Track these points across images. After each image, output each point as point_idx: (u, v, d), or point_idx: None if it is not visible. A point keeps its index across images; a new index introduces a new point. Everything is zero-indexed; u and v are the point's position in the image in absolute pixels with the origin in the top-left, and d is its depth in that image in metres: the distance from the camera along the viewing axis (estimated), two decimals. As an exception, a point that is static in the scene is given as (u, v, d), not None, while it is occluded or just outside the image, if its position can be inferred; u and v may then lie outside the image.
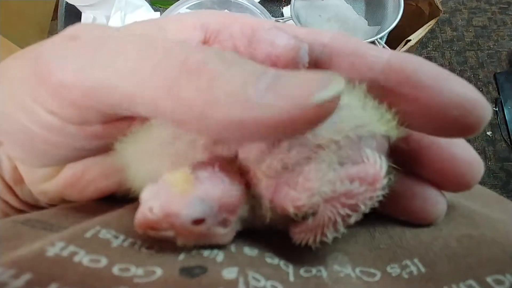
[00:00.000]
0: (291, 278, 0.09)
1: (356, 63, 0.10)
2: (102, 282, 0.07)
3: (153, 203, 0.08)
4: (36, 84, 0.09)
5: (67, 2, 0.44)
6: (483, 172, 0.10)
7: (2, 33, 0.48)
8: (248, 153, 0.09)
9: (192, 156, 0.09)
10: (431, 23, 0.66)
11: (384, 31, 0.39)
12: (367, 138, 0.10)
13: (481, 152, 1.04)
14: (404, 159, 0.11)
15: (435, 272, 0.09)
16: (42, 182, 0.12)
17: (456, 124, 0.09)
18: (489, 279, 0.08)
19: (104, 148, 0.11)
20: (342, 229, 0.09)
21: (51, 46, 0.09)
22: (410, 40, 0.64)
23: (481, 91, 1.15)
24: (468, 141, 0.10)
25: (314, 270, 0.10)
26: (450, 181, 0.11)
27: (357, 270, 0.10)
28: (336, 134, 0.09)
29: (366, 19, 0.46)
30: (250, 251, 0.10)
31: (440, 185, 0.11)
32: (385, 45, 0.38)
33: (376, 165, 0.09)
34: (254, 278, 0.08)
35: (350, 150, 0.09)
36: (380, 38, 0.38)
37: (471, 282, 0.08)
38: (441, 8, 0.67)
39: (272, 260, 0.10)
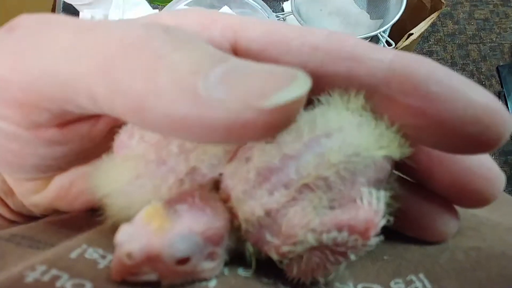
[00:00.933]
0: None
1: (354, 69, 0.08)
2: None
3: (130, 247, 0.07)
4: None
5: (64, 1, 0.44)
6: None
7: (0, 33, 0.47)
8: (230, 191, 0.09)
9: (169, 188, 0.09)
10: (433, 16, 0.65)
11: (386, 24, 0.38)
12: (362, 169, 0.08)
13: (485, 146, 1.03)
14: (413, 171, 0.10)
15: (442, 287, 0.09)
16: (32, 194, 0.11)
17: (472, 142, 0.08)
18: None
19: (84, 156, 0.10)
20: (332, 272, 0.09)
21: None
22: (412, 34, 0.64)
23: (484, 84, 1.15)
24: None
25: None
26: (465, 197, 0.09)
27: (360, 286, 0.09)
28: (324, 169, 0.08)
29: (368, 13, 0.45)
30: (244, 272, 0.09)
31: (453, 201, 0.10)
32: (388, 39, 0.37)
33: (371, 210, 0.08)
34: None
35: (342, 186, 0.08)
36: (383, 32, 0.37)
37: None
38: (443, 1, 0.67)
39: (268, 280, 0.09)
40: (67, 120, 0.09)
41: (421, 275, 0.09)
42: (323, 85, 0.09)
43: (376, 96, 0.08)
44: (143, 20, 0.10)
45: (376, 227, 0.08)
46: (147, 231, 0.07)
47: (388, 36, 0.44)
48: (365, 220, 0.08)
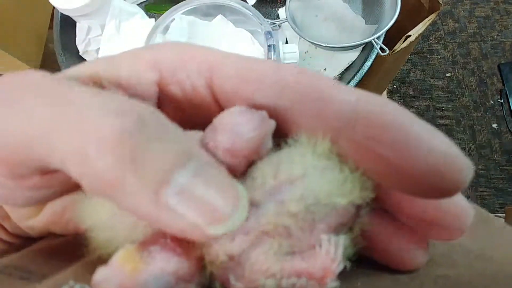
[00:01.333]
0: None
1: (321, 110, 0.09)
2: None
3: (107, 286, 0.08)
4: None
5: (61, 13, 0.44)
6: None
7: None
8: None
9: (145, 225, 0.09)
10: (431, 17, 0.65)
11: (381, 30, 0.38)
12: (323, 216, 0.09)
13: (487, 145, 1.02)
14: (383, 203, 0.10)
15: None
16: (27, 220, 0.12)
17: (433, 189, 0.08)
18: None
19: (73, 189, 0.10)
20: None
21: None
22: (410, 36, 0.63)
23: (485, 82, 1.14)
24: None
25: None
26: (433, 232, 0.10)
27: None
28: (284, 218, 0.08)
29: (363, 18, 0.45)
30: None
31: (423, 234, 0.10)
32: (382, 45, 0.37)
33: (328, 258, 0.08)
34: None
35: (302, 234, 0.09)
36: (377, 38, 0.37)
37: None
38: (441, 2, 0.66)
39: None
40: (48, 171, 0.09)
41: None
42: (292, 125, 0.09)
43: (342, 139, 0.08)
44: (125, 66, 0.10)
45: (332, 274, 0.08)
46: (122, 273, 0.08)
47: (386, 39, 0.44)
48: (323, 268, 0.08)
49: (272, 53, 0.37)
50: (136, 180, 0.07)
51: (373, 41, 0.37)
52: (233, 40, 0.42)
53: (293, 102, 0.09)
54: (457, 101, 1.10)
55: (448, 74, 1.13)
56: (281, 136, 0.10)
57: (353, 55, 0.44)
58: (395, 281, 0.10)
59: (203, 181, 0.07)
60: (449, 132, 1.06)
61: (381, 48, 0.36)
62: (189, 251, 0.09)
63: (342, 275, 0.09)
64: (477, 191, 1.01)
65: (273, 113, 0.09)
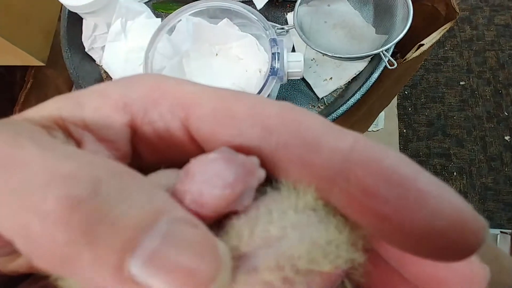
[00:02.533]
0: None
1: (309, 157, 0.08)
2: None
3: None
4: None
5: (69, 10, 0.44)
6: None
7: (6, 37, 0.48)
8: None
9: None
10: (446, 26, 0.63)
11: (390, 42, 0.37)
12: (302, 282, 0.08)
13: (498, 157, 1.00)
14: (387, 253, 0.09)
15: None
16: (8, 264, 0.11)
17: (442, 253, 0.07)
18: None
19: None
20: None
21: None
22: (423, 44, 0.62)
23: (500, 93, 1.10)
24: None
25: None
26: None
27: None
28: (269, 275, 0.08)
29: (374, 27, 0.44)
30: None
31: None
32: (391, 58, 0.36)
33: None
34: None
35: None
36: (386, 50, 0.36)
37: None
38: (457, 11, 0.64)
39: None
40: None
41: None
42: (279, 170, 0.08)
43: (334, 191, 0.07)
44: (91, 108, 0.09)
45: None
46: None
47: (398, 45, 0.42)
48: None
49: (276, 61, 0.36)
50: (93, 256, 0.06)
51: (381, 53, 0.35)
52: (237, 45, 0.42)
53: (278, 146, 0.08)
54: (470, 110, 1.07)
55: (462, 83, 1.10)
56: (268, 178, 0.08)
57: (360, 65, 0.43)
58: None
59: (176, 243, 0.06)
60: (459, 142, 1.03)
61: (389, 61, 0.35)
62: None
63: None
64: (485, 205, 0.99)
65: (257, 155, 0.08)
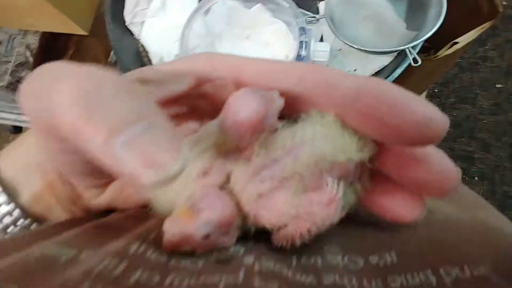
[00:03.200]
0: (294, 263, 0.12)
1: (330, 93, 0.11)
2: (166, 269, 0.10)
3: (173, 231, 0.11)
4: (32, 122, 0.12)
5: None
6: (460, 178, 0.11)
7: (55, 4, 0.52)
8: (235, 184, 0.12)
9: (193, 189, 0.12)
10: (485, 25, 0.60)
11: (419, 39, 0.37)
12: (327, 167, 0.12)
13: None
14: (383, 167, 0.12)
15: (404, 262, 0.11)
16: (95, 198, 0.15)
17: (418, 138, 0.10)
18: (441, 270, 0.10)
19: None
20: (307, 237, 0.12)
21: None
22: (457, 42, 0.60)
23: (539, 99, 1.01)
24: None
25: (312, 260, 0.12)
26: (426, 190, 0.12)
27: (346, 258, 0.12)
28: (299, 168, 0.11)
29: (405, 22, 0.44)
30: (264, 244, 0.12)
31: (419, 192, 0.12)
32: (416, 56, 0.36)
33: (332, 191, 0.11)
34: (266, 261, 0.11)
35: (312, 179, 0.12)
36: (413, 47, 0.36)
37: (428, 271, 0.11)
38: (500, 9, 0.61)
39: (279, 251, 0.12)
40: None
41: (392, 253, 0.12)
42: (307, 106, 0.12)
43: (349, 112, 0.11)
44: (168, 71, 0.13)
45: (336, 203, 0.11)
46: (181, 222, 0.11)
47: (433, 41, 0.42)
48: (328, 198, 0.11)
49: (303, 49, 0.38)
50: (90, 131, 0.09)
51: (407, 50, 0.36)
52: (267, 31, 0.43)
53: (307, 89, 0.12)
54: (503, 115, 1.03)
55: (498, 85, 1.05)
56: (298, 112, 0.12)
57: (386, 60, 0.43)
58: (398, 240, 0.12)
59: (149, 138, 0.09)
60: (485, 147, 1.00)
61: (414, 59, 0.35)
62: (227, 203, 0.12)
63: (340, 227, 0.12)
64: (503, 212, 0.96)
65: (291, 97, 0.12)
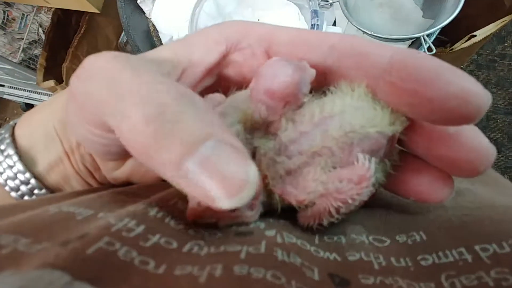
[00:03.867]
0: (316, 241, 0.11)
1: (362, 63, 0.11)
2: (184, 237, 0.10)
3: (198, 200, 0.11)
4: (76, 108, 0.12)
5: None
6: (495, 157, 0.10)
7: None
8: (261, 159, 0.12)
9: None
10: (506, 19, 0.58)
11: (435, 27, 0.36)
12: (358, 141, 0.11)
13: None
14: (413, 146, 0.12)
15: (434, 240, 0.11)
16: (113, 171, 0.15)
17: (454, 114, 0.09)
18: (476, 247, 0.10)
19: None
20: (336, 216, 0.11)
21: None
22: (475, 36, 0.58)
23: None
24: None
25: (335, 238, 0.12)
26: (457, 168, 0.11)
27: (371, 237, 0.11)
28: (328, 141, 0.11)
29: (422, 10, 0.43)
30: (284, 222, 0.12)
31: (449, 171, 0.12)
32: (431, 44, 0.35)
33: (364, 168, 0.10)
34: (288, 236, 0.11)
35: (342, 154, 0.11)
36: (428, 36, 0.35)
37: (462, 249, 0.10)
38: (522, 2, 0.59)
39: (301, 230, 0.12)
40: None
41: (421, 232, 0.11)
42: (337, 79, 0.12)
43: (380, 83, 0.10)
44: (199, 45, 0.13)
45: (367, 180, 0.10)
46: None
47: (450, 33, 0.41)
48: (360, 175, 0.10)
49: (315, 33, 0.37)
50: (161, 156, 0.09)
51: (422, 37, 0.35)
52: (279, 13, 0.42)
53: (338, 59, 0.11)
54: (518, 116, 1.00)
55: (515, 85, 1.02)
56: (328, 84, 0.12)
57: (401, 47, 0.42)
58: (426, 219, 0.12)
59: (221, 156, 0.09)
60: (497, 148, 0.98)
61: (428, 48, 0.34)
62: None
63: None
64: None
65: (321, 68, 0.12)
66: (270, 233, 0.11)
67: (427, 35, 0.35)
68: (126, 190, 0.13)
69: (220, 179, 0.08)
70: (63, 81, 0.61)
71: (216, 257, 0.09)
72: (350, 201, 0.11)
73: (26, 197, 0.14)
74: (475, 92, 0.09)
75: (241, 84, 0.12)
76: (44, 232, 0.09)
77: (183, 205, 0.12)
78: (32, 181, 0.14)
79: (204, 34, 0.13)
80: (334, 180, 0.11)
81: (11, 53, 0.74)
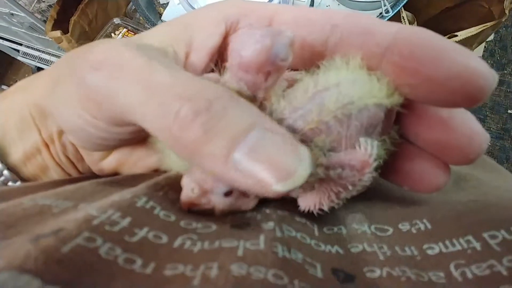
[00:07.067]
0: (316, 233, 0.11)
1: (365, 41, 0.10)
2: (175, 230, 0.09)
3: (192, 185, 0.10)
4: (84, 99, 0.11)
5: None
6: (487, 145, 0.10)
7: None
8: None
9: None
10: (488, 25, 0.61)
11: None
12: (356, 114, 0.10)
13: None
14: (406, 132, 0.11)
15: (440, 228, 0.10)
16: (99, 162, 0.14)
17: (457, 95, 0.09)
18: (485, 235, 0.09)
19: (143, 135, 0.12)
20: (336, 201, 0.11)
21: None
22: (456, 35, 0.60)
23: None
24: None
25: (335, 229, 0.11)
26: (449, 154, 0.10)
27: (373, 227, 0.11)
28: (324, 115, 0.10)
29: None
30: (281, 213, 0.11)
31: (442, 158, 0.11)
32: (389, 7, 0.37)
33: (366, 154, 0.10)
34: (287, 229, 0.10)
35: (340, 128, 0.10)
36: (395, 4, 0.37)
37: (470, 237, 0.09)
38: (506, 12, 0.61)
39: (300, 219, 0.11)
40: (125, 123, 0.11)
41: (425, 220, 0.11)
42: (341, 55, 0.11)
43: (383, 62, 0.10)
44: (198, 27, 0.12)
45: (369, 167, 0.10)
46: (203, 176, 0.11)
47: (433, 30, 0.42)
48: (362, 160, 0.10)
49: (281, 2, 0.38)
50: (209, 149, 0.09)
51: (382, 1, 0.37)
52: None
53: (342, 35, 0.11)
54: (509, 141, 1.00)
55: (510, 111, 1.02)
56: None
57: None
58: (429, 207, 0.11)
59: (266, 143, 0.08)
60: (485, 169, 0.98)
61: (386, 10, 0.36)
62: None
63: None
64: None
65: (324, 47, 0.11)
66: (269, 226, 0.10)
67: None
68: (111, 180, 0.12)
69: (270, 164, 0.08)
70: (68, 32, 0.66)
71: (210, 254, 0.08)
72: (350, 187, 0.10)
73: None
74: (480, 71, 0.08)
75: None
76: (15, 227, 0.08)
77: (174, 195, 0.11)
78: (5, 172, 0.13)
79: (202, 14, 0.12)
80: (336, 165, 0.10)
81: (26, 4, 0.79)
